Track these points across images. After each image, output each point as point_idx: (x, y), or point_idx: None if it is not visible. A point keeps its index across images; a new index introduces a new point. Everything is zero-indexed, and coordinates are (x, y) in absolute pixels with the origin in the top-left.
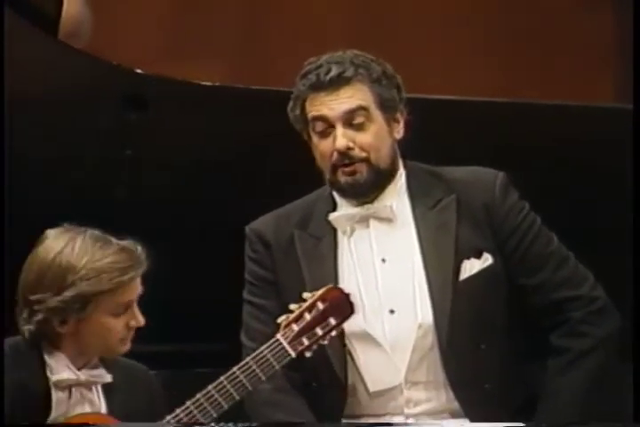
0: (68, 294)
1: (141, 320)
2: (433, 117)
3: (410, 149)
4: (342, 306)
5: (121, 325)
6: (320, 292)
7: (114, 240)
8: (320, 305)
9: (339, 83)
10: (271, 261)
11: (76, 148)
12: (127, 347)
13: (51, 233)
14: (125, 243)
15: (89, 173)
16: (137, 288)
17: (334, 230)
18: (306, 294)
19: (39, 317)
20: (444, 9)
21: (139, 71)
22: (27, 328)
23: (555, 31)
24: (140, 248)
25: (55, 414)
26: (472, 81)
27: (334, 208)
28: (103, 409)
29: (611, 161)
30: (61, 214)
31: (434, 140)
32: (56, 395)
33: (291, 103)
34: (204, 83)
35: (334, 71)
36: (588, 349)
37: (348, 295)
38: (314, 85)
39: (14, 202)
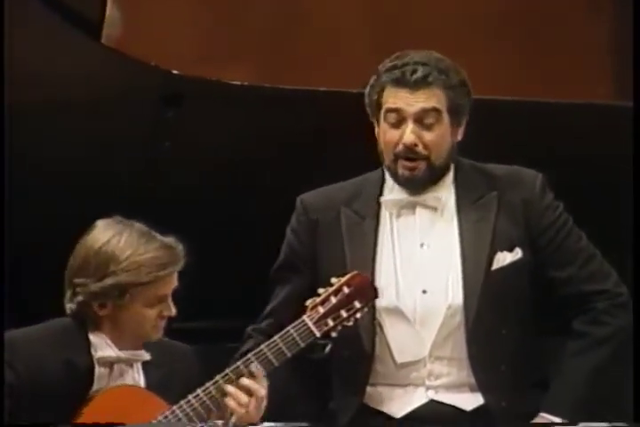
0: (108, 281)
1: (174, 311)
2: None
3: None
4: (367, 290)
5: (154, 314)
6: (346, 277)
7: (158, 236)
8: (345, 289)
9: (421, 83)
10: (311, 238)
11: (118, 144)
12: (160, 334)
13: (100, 223)
14: (168, 240)
15: (130, 166)
16: (173, 283)
17: (378, 212)
18: (333, 280)
19: (80, 298)
20: (446, 9)
21: (175, 72)
22: (69, 306)
23: (556, 30)
24: (180, 247)
25: (97, 386)
26: (472, 80)
27: (382, 191)
28: (142, 385)
29: (611, 158)
30: (102, 207)
31: None
32: (98, 370)
33: (368, 88)
34: (235, 82)
35: (420, 73)
36: (608, 336)
37: (372, 281)
38: (397, 80)
39: (54, 197)
